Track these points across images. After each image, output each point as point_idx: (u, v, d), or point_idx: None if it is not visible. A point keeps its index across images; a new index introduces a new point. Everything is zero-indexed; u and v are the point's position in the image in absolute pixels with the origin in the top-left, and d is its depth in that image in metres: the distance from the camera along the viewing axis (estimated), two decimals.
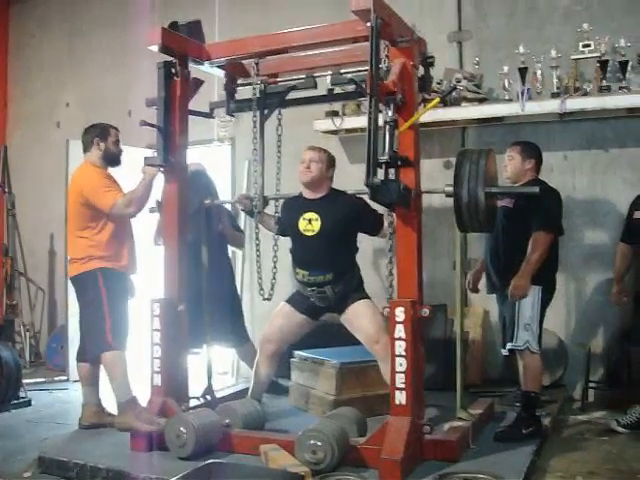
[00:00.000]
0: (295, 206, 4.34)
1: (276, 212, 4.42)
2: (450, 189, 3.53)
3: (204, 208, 4.55)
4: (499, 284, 4.24)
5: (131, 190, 4.26)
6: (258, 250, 4.29)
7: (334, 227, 4.16)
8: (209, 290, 4.51)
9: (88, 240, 4.30)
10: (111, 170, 4.51)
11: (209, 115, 4.54)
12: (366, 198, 3.81)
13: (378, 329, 4.05)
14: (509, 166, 4.32)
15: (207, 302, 4.50)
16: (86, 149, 4.48)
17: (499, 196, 4.07)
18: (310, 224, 4.20)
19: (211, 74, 4.52)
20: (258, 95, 4.26)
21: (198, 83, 4.36)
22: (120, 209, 4.23)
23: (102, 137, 4.43)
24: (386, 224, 3.81)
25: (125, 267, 4.40)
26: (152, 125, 4.02)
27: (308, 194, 4.32)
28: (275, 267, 4.26)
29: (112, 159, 4.45)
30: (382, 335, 3.99)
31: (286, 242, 4.36)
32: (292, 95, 4.30)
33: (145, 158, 4.15)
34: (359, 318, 4.15)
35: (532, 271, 3.98)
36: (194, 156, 4.93)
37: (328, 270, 4.15)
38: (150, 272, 4.83)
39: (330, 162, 4.33)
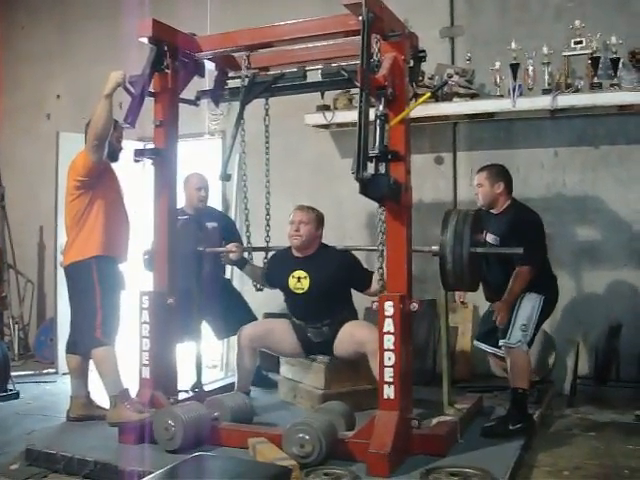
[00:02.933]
0: (283, 263, 4.42)
1: (264, 267, 4.48)
2: (436, 248, 3.64)
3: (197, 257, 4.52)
4: (495, 297, 4.30)
5: (91, 124, 4.14)
6: (250, 242, 4.29)
7: (323, 285, 4.27)
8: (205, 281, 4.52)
9: (77, 228, 4.25)
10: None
11: (194, 102, 4.50)
12: (356, 253, 3.96)
13: (369, 329, 4.13)
14: (479, 194, 4.31)
15: (202, 293, 4.51)
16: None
17: (485, 231, 4.17)
18: (299, 282, 4.30)
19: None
20: (246, 85, 4.24)
21: (197, 66, 4.33)
22: (91, 152, 4.11)
23: None
24: (375, 281, 3.83)
25: (119, 255, 4.38)
26: (128, 91, 3.98)
27: (297, 252, 4.39)
28: (267, 257, 4.27)
29: (110, 153, 4.39)
30: (373, 332, 4.04)
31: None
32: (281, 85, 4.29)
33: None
34: (348, 332, 4.26)
35: (513, 301, 4.07)
36: (186, 149, 4.93)
37: (323, 319, 4.30)
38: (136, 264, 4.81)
39: (319, 221, 4.40)
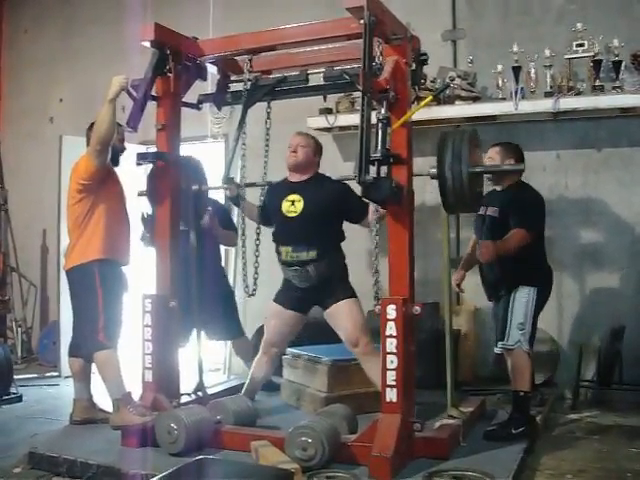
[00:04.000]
0: (279, 190, 4.35)
1: (261, 202, 4.40)
2: (434, 171, 3.56)
3: (192, 195, 4.38)
4: (492, 290, 4.28)
5: (94, 128, 4.14)
6: (244, 246, 4.26)
7: (317, 208, 4.18)
8: (199, 283, 4.46)
9: (79, 231, 4.26)
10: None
11: (196, 106, 4.51)
12: (352, 184, 3.83)
13: (359, 331, 4.12)
14: None
15: (197, 295, 4.47)
16: (88, 143, 4.44)
17: (485, 204, 4.13)
18: (293, 205, 4.22)
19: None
20: (248, 88, 4.24)
21: (200, 69, 4.33)
22: (94, 157, 4.12)
23: None
24: (371, 213, 3.81)
25: (121, 258, 4.39)
26: (131, 95, 3.98)
27: (293, 177, 4.34)
28: (257, 262, 4.24)
29: (112, 156, 4.39)
30: (362, 337, 4.10)
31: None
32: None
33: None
34: (341, 318, 4.18)
35: (501, 252, 3.97)
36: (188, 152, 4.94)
37: (311, 247, 4.14)
38: (143, 266, 4.81)
39: (317, 148, 4.37)
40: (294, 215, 4.21)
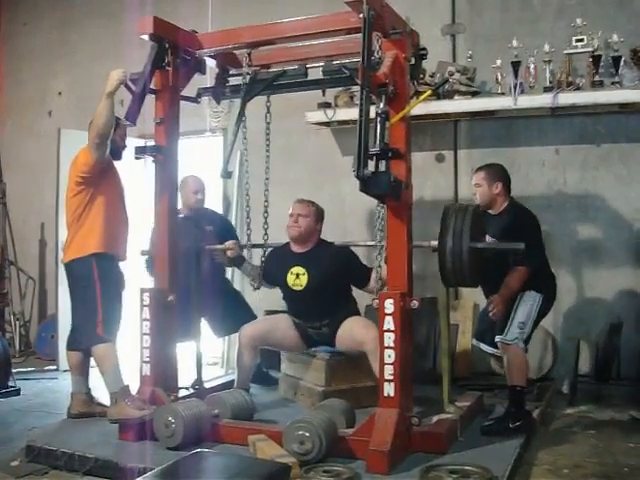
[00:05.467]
0: (282, 259, 4.38)
1: (262, 264, 4.46)
2: (435, 243, 3.63)
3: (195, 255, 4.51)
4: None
5: (93, 121, 4.14)
6: (250, 240, 4.29)
7: (321, 281, 4.24)
8: (204, 281, 4.51)
9: (77, 225, 4.26)
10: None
11: (195, 100, 4.51)
12: (354, 249, 4.08)
13: (367, 328, 4.13)
14: (477, 194, 4.29)
15: (205, 292, 4.51)
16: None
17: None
18: (298, 279, 4.27)
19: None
20: (247, 82, 4.24)
21: (197, 64, 4.33)
22: (93, 150, 4.12)
23: None
24: (374, 277, 3.83)
25: (118, 253, 4.39)
26: (129, 89, 3.98)
27: (296, 247, 4.37)
28: (264, 255, 4.27)
29: (114, 151, 4.37)
30: (373, 331, 4.06)
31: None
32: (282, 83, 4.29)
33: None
34: (348, 329, 4.24)
35: (509, 296, 4.05)
36: (187, 146, 4.94)
37: (322, 318, 4.28)
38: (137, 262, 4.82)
39: (319, 215, 4.39)
40: (300, 289, 4.28)
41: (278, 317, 4.52)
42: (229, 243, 4.54)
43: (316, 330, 4.35)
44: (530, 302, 4.10)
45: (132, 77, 4.03)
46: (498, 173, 4.27)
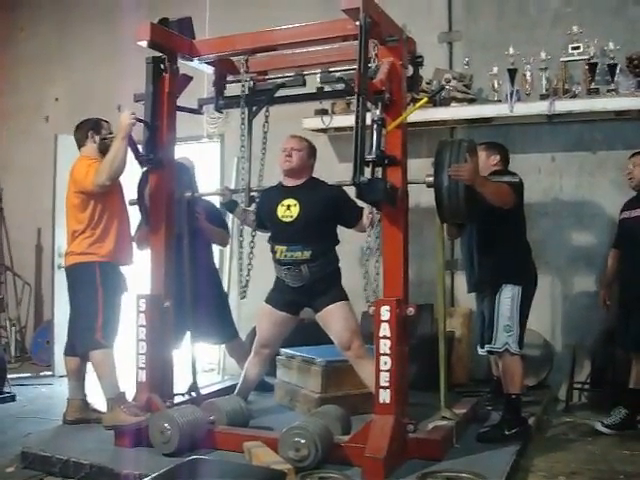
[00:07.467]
0: (274, 194, 4.33)
1: (255, 207, 4.40)
2: (430, 179, 3.59)
3: (185, 201, 4.41)
4: (476, 282, 4.31)
5: (106, 161, 4.15)
6: (241, 247, 4.27)
7: (313, 212, 4.16)
8: (192, 286, 4.46)
9: (86, 234, 4.24)
10: None
11: (197, 111, 4.54)
12: (348, 190, 3.86)
13: (350, 334, 4.10)
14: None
15: (190, 299, 4.46)
16: (81, 144, 4.43)
17: None
18: (289, 210, 4.20)
19: (201, 71, 4.52)
20: (247, 92, 4.26)
21: (187, 79, 4.36)
22: (98, 178, 4.12)
23: (96, 130, 4.41)
24: (365, 217, 3.82)
25: (121, 260, 4.39)
26: (141, 120, 4.02)
27: (288, 182, 4.32)
28: (251, 264, 4.25)
29: (106, 151, 4.38)
30: (354, 339, 4.09)
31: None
32: (281, 93, 4.31)
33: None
34: (333, 320, 4.17)
35: (480, 183, 3.74)
36: (184, 152, 4.94)
37: (306, 247, 4.13)
38: (139, 266, 4.80)
39: (311, 151, 4.35)
40: (290, 220, 4.19)
41: (261, 313, 4.42)
42: (220, 188, 4.50)
43: (294, 271, 4.16)
44: (508, 301, 4.03)
45: (137, 99, 4.10)
46: (497, 148, 4.44)
